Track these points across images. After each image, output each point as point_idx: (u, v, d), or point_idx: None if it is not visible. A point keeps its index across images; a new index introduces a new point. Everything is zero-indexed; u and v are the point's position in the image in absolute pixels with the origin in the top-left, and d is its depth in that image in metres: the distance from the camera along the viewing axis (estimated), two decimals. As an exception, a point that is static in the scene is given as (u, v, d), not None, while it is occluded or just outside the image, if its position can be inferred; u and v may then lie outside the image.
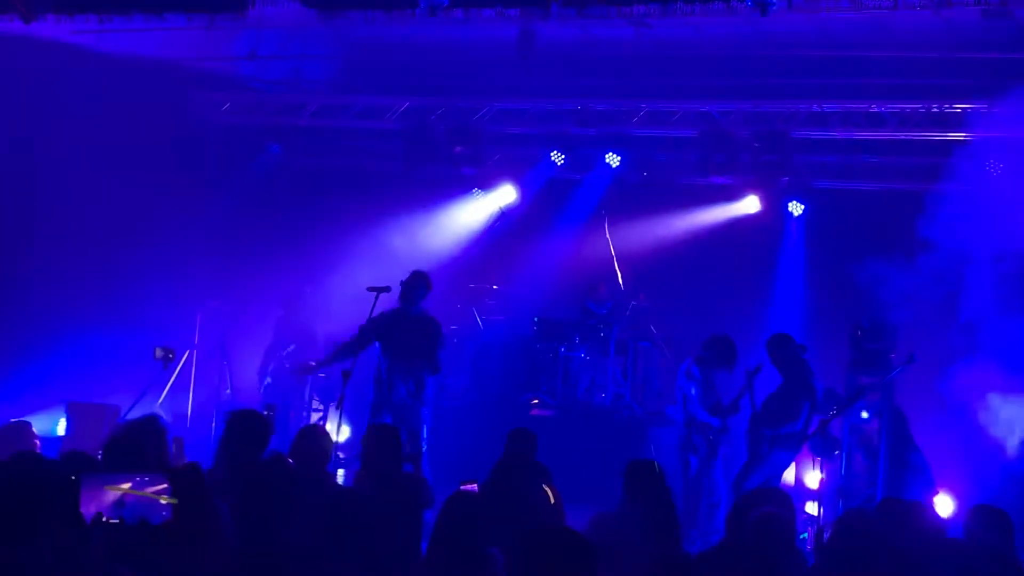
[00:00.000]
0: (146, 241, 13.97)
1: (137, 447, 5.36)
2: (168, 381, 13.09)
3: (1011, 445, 10.47)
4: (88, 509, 4.07)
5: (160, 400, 13.22)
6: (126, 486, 4.16)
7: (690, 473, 10.64)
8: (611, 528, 6.28)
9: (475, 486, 7.12)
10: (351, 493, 6.51)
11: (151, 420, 5.87)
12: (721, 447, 10.83)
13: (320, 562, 4.72)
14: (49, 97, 12.97)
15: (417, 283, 10.52)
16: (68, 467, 4.56)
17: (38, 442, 8.00)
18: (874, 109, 13.19)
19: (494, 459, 7.74)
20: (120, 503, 4.12)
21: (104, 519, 4.06)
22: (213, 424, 12.95)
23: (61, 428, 11.07)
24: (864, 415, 11.57)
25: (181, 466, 5.05)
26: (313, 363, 11.27)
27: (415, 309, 10.50)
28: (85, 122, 12.97)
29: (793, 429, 9.97)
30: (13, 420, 9.06)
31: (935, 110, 12.73)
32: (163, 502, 4.19)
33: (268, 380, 13.74)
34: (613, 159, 14.41)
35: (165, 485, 4.17)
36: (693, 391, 10.69)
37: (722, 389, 10.97)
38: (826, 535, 6.44)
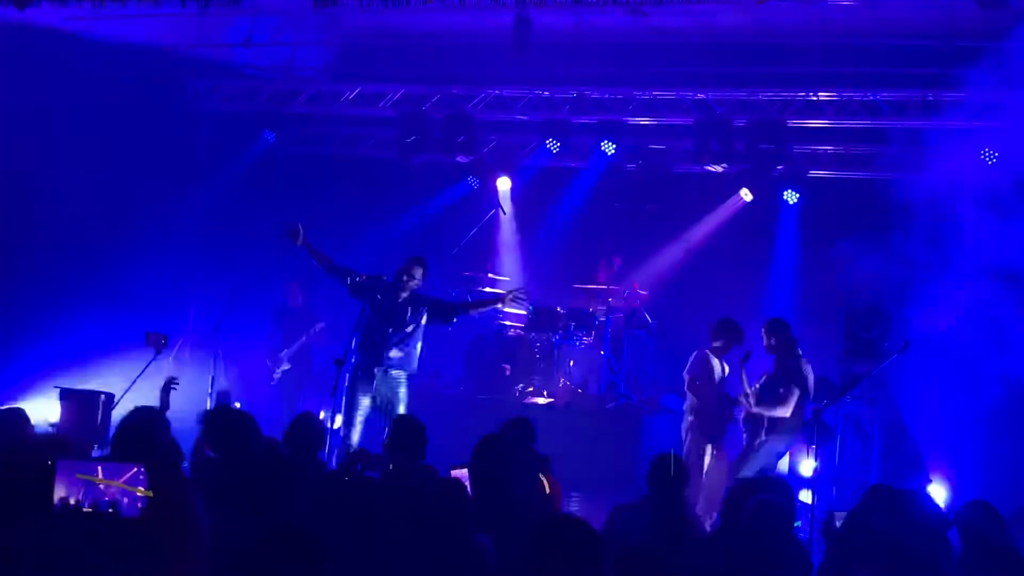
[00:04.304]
0: (140, 228, 13.94)
1: (149, 439, 5.24)
2: (161, 369, 13.03)
3: None
4: (60, 495, 3.99)
5: (155, 387, 13.18)
6: (100, 475, 4.06)
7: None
8: (628, 521, 6.24)
9: (465, 472, 7.09)
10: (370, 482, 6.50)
11: (156, 412, 5.65)
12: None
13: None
14: (43, 84, 12.91)
15: (417, 267, 10.35)
16: (49, 452, 4.44)
17: (33, 428, 7.96)
18: (870, 98, 13.17)
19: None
20: (93, 491, 4.03)
21: (74, 506, 3.98)
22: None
23: (54, 415, 11.02)
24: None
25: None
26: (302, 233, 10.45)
27: (411, 292, 10.36)
28: (79, 109, 12.91)
29: (779, 414, 9.81)
30: (6, 406, 9.03)
31: (931, 99, 12.70)
32: (138, 493, 4.08)
33: (286, 366, 13.92)
34: (608, 147, 14.36)
35: (141, 475, 4.06)
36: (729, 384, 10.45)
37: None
38: (837, 521, 6.38)
